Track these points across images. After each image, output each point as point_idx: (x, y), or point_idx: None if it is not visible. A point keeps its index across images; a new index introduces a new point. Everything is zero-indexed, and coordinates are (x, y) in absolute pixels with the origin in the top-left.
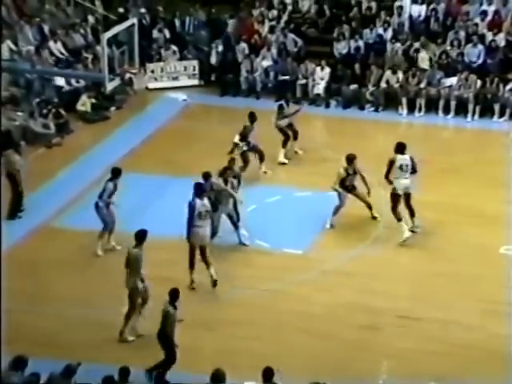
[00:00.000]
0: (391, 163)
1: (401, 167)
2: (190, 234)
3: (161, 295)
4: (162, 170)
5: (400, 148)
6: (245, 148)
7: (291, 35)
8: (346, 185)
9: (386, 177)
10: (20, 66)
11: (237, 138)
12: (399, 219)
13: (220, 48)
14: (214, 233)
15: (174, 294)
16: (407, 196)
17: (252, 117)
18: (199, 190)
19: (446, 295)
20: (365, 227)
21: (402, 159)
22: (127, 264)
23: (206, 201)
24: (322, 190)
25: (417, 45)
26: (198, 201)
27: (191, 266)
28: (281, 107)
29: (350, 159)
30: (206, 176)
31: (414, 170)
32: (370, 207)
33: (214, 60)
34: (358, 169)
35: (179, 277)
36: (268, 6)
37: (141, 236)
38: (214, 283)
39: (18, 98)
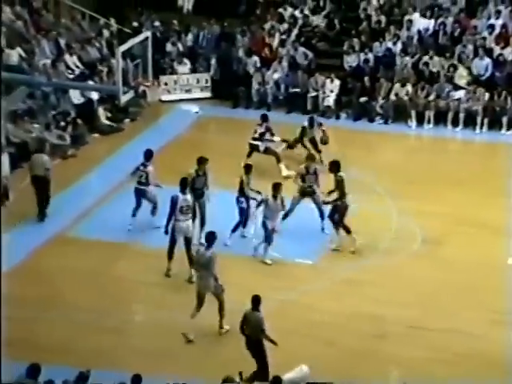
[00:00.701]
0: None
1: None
2: (174, 228)
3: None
4: (174, 180)
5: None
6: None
7: (302, 48)
8: (305, 186)
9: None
10: (36, 79)
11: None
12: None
13: (213, 61)
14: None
15: (256, 300)
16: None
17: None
18: (182, 186)
19: (453, 305)
20: (374, 237)
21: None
22: (202, 266)
23: (188, 196)
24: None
25: (426, 58)
26: (180, 196)
27: (170, 256)
28: (311, 121)
29: (311, 157)
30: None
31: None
32: (322, 216)
33: (212, 72)
34: (317, 170)
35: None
36: (279, 19)
37: (212, 238)
38: (190, 280)
39: (34, 111)
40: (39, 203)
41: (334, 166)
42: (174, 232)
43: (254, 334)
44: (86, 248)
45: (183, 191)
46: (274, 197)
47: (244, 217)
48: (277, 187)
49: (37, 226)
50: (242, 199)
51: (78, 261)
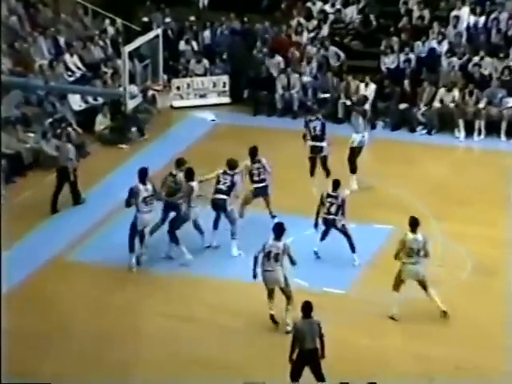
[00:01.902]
0: None
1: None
2: (136, 220)
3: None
4: None
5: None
6: None
7: (333, 48)
8: (255, 179)
9: None
10: (32, 82)
11: None
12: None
13: (232, 62)
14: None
15: (308, 307)
16: None
17: None
18: (142, 176)
19: (509, 343)
20: None
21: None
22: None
23: (149, 186)
24: (367, 223)
25: (476, 59)
26: (140, 186)
27: (131, 249)
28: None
29: (253, 152)
30: (179, 164)
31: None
32: (272, 215)
33: (230, 74)
34: (264, 163)
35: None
36: (307, 15)
37: (282, 229)
38: (138, 261)
39: (29, 118)
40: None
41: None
42: (135, 224)
43: (310, 343)
44: (84, 274)
45: (143, 181)
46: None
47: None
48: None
49: (31, 248)
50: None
51: (77, 286)
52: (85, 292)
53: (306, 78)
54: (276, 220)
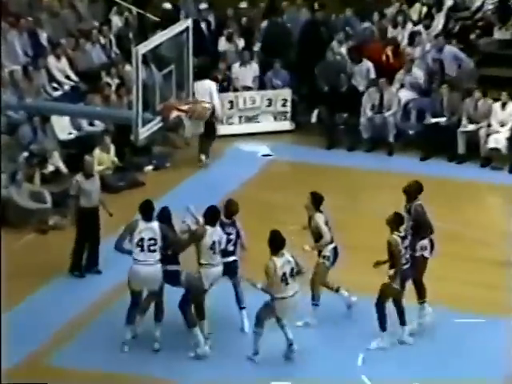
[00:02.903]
0: None
1: None
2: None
3: None
4: None
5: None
6: None
7: (451, 49)
8: None
9: None
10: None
11: None
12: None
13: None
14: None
15: None
16: None
17: None
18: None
19: None
20: None
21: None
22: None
23: (155, 224)
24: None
25: None
26: (140, 222)
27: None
28: None
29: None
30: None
31: None
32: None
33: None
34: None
35: None
36: (410, 1)
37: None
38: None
39: None
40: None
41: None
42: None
43: None
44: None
45: (148, 217)
46: None
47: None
48: None
49: None
50: None
51: None
52: None
53: (408, 94)
54: None
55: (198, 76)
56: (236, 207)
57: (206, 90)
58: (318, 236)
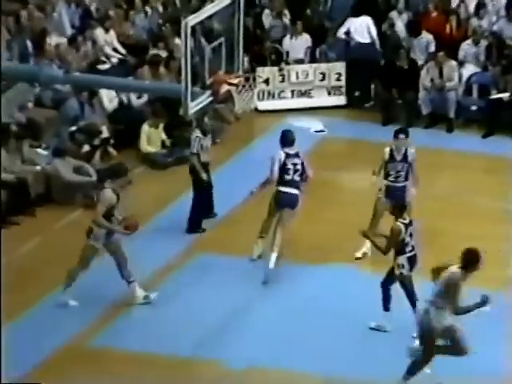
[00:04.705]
0: None
1: None
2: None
3: None
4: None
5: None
6: None
7: None
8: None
9: None
10: (45, 72)
11: None
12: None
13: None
14: None
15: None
16: None
17: None
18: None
19: None
20: None
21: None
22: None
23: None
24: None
25: None
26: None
27: None
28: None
29: None
30: None
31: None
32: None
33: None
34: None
35: None
36: None
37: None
38: None
39: (39, 126)
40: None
41: None
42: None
43: None
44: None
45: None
46: None
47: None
48: None
49: (41, 332)
50: None
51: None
52: None
53: (471, 68)
54: None
55: (355, 13)
56: (294, 136)
57: (363, 26)
58: None
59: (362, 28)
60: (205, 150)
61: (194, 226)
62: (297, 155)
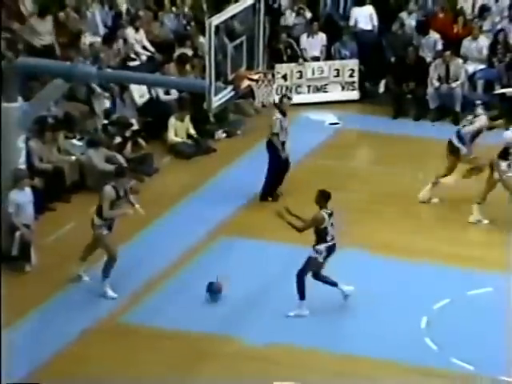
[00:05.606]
0: None
1: None
2: None
3: None
4: (292, 237)
5: None
6: None
7: None
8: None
9: None
10: (80, 69)
11: None
12: None
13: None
14: None
15: None
16: None
17: None
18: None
19: None
20: None
21: None
22: None
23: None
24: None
25: None
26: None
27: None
28: None
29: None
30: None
31: None
32: None
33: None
34: None
35: None
36: None
37: None
38: None
39: (74, 119)
40: None
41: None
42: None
43: None
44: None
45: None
46: None
47: None
48: None
49: (81, 306)
50: None
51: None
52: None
53: (474, 65)
54: None
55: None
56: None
57: (367, 15)
58: None
59: (365, 17)
60: (284, 130)
61: (266, 195)
62: None
